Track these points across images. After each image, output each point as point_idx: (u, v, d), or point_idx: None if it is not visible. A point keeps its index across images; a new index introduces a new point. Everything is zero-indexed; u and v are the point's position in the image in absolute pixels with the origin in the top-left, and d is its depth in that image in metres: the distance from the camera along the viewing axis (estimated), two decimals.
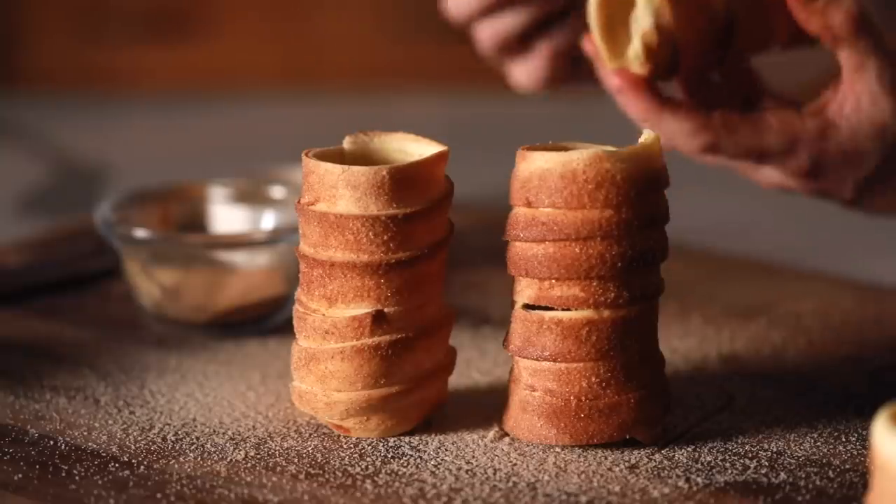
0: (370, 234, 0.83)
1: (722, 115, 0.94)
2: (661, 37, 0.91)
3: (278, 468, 0.83)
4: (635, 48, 0.92)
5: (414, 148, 0.87)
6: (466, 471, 0.82)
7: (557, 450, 0.85)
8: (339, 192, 0.83)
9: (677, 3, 0.91)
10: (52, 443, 0.86)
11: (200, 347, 1.02)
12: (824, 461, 0.83)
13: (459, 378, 0.95)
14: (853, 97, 0.94)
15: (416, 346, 0.85)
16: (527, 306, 0.85)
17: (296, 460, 0.84)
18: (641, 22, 0.91)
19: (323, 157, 0.86)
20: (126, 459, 0.84)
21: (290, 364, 0.87)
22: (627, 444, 0.85)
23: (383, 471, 0.82)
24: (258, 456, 0.84)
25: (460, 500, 0.79)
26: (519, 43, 1.09)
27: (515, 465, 0.83)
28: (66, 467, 0.83)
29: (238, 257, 1.06)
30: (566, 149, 0.84)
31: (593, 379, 0.83)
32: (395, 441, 0.86)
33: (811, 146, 0.94)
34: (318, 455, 0.84)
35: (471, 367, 0.98)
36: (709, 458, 0.84)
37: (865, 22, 0.94)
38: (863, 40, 0.94)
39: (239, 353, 1.01)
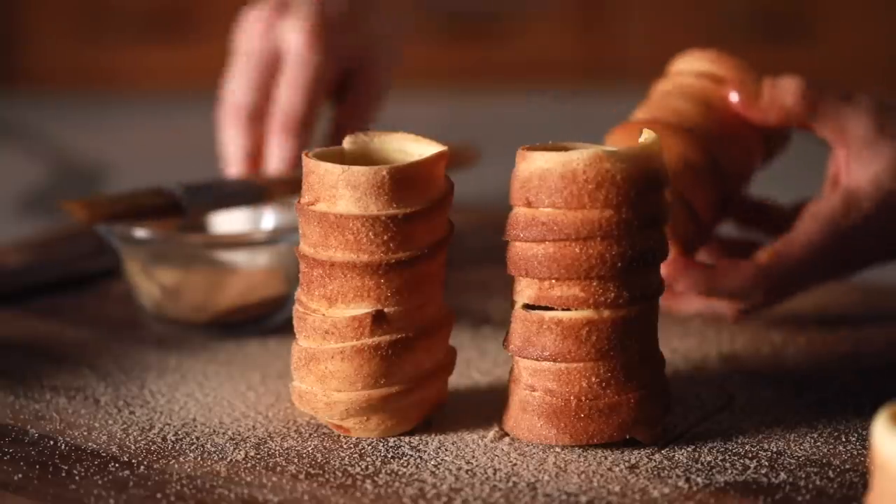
0: (370, 234, 0.83)
1: (767, 250, 0.94)
2: (671, 196, 0.90)
3: (278, 468, 0.83)
4: None
5: (414, 148, 0.87)
6: (466, 471, 0.82)
7: (557, 450, 0.84)
8: (339, 192, 0.83)
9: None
10: (52, 443, 0.86)
11: (200, 347, 1.02)
12: (824, 461, 0.83)
13: (459, 378, 0.95)
14: (855, 159, 0.93)
15: (416, 346, 0.85)
16: (527, 306, 0.85)
17: (296, 460, 0.84)
18: None
19: (323, 157, 0.86)
20: (126, 459, 0.84)
21: (290, 364, 0.87)
22: (627, 444, 0.85)
23: (383, 471, 0.82)
24: (258, 456, 0.84)
25: (460, 500, 0.79)
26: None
27: (515, 465, 0.83)
28: (66, 467, 0.83)
29: (238, 257, 1.06)
30: (566, 149, 0.84)
31: (593, 379, 0.83)
32: (395, 441, 0.86)
33: (838, 221, 0.94)
34: (318, 455, 0.84)
35: (471, 367, 0.98)
36: (709, 458, 0.84)
37: (816, 86, 0.93)
38: (827, 101, 0.93)
39: (239, 353, 1.01)
